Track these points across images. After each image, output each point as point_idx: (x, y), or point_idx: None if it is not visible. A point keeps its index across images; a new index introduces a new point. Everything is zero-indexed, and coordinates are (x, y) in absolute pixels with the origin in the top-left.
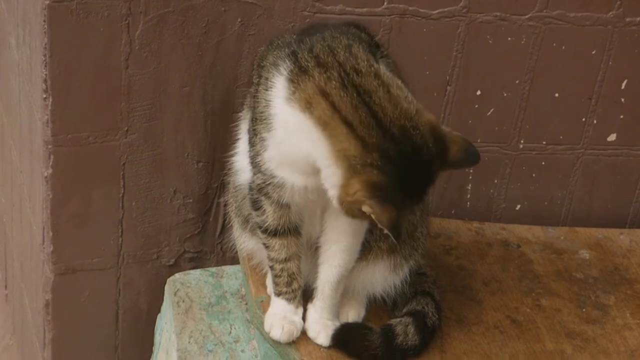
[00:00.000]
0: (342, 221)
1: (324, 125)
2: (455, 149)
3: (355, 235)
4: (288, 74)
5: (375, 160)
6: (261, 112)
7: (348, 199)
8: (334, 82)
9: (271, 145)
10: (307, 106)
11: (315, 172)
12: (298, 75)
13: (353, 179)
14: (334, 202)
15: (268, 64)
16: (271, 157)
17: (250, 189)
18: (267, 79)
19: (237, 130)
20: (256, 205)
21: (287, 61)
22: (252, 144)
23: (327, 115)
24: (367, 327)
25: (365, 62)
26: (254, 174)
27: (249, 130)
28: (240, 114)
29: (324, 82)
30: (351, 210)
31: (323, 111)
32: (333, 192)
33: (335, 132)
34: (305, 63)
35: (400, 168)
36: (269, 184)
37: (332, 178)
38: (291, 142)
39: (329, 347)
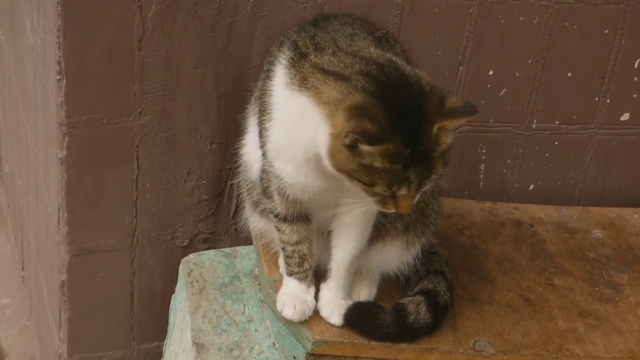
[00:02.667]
0: (355, 208)
1: (315, 91)
2: (453, 100)
3: (367, 220)
4: (288, 61)
5: (357, 83)
6: (264, 103)
7: (337, 143)
8: (327, 56)
9: (272, 135)
10: (304, 83)
11: (314, 161)
12: (298, 61)
13: (336, 115)
14: (327, 163)
15: (272, 57)
16: (272, 148)
17: (261, 179)
18: (269, 70)
19: (246, 123)
20: (266, 194)
21: (288, 51)
22: (260, 136)
23: (319, 81)
24: (379, 306)
25: (366, 48)
26: (262, 164)
27: (258, 124)
28: (249, 108)
29: (319, 59)
30: (344, 160)
31: (316, 79)
32: (325, 151)
33: (324, 89)
34: (305, 49)
35: (385, 90)
36: (273, 176)
37: (324, 137)
38: (290, 127)
39: (342, 326)
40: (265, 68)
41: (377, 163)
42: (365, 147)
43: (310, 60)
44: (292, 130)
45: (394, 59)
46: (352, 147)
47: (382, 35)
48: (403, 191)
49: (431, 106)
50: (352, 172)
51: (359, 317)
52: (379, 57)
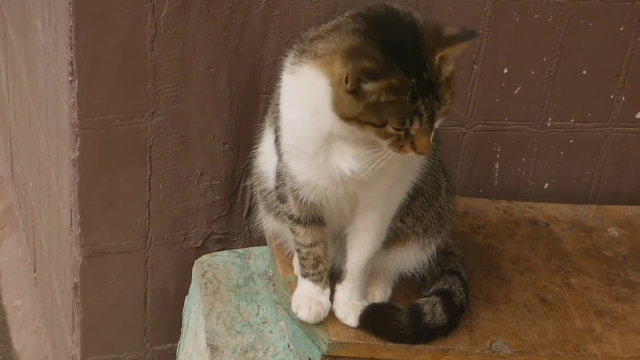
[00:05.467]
0: (372, 211)
1: (312, 55)
2: (450, 29)
3: (384, 223)
4: (293, 56)
5: (348, 27)
6: (275, 105)
7: (340, 91)
8: (325, 26)
9: (284, 132)
10: (302, 58)
11: (324, 155)
12: (299, 47)
13: (332, 64)
14: (335, 118)
15: (283, 67)
16: (285, 148)
17: (276, 184)
18: (280, 73)
19: (262, 132)
20: (281, 198)
21: (294, 50)
22: (276, 141)
23: (314, 45)
24: (395, 308)
25: None
26: (278, 168)
27: (274, 130)
28: (266, 119)
29: (317, 32)
30: (349, 106)
31: (312, 47)
32: (329, 106)
33: (320, 48)
34: (307, 33)
35: (378, 27)
36: (288, 176)
37: (326, 92)
38: (297, 107)
39: (357, 328)
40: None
41: (384, 98)
42: (368, 86)
43: (309, 36)
44: (299, 109)
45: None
46: (355, 92)
47: None
48: (416, 126)
49: (429, 37)
50: (361, 116)
51: (375, 319)
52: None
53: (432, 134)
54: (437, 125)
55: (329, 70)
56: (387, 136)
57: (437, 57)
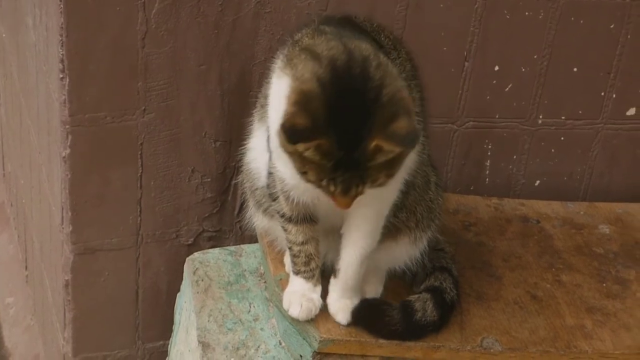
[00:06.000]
0: (365, 208)
1: (294, 69)
2: (400, 125)
3: (377, 220)
4: (284, 56)
5: (320, 69)
6: (263, 105)
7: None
8: (320, 39)
9: (272, 133)
10: (289, 63)
11: None
12: (291, 50)
13: (290, 95)
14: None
15: (273, 63)
16: (272, 147)
17: (267, 182)
18: (270, 72)
19: (251, 127)
20: (272, 196)
21: (286, 49)
22: (267, 142)
23: (300, 59)
24: (387, 303)
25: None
26: (269, 167)
27: (266, 129)
28: (255, 113)
29: (310, 41)
30: (282, 140)
31: (298, 59)
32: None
33: (300, 66)
34: (301, 37)
35: (342, 85)
36: (277, 178)
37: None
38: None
39: (349, 324)
40: (271, 74)
41: (308, 154)
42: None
43: (302, 43)
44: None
45: (370, 56)
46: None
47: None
48: (331, 188)
49: (378, 119)
50: (289, 154)
51: (366, 315)
52: (357, 49)
53: (355, 198)
54: (357, 193)
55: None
56: (307, 181)
57: (373, 144)
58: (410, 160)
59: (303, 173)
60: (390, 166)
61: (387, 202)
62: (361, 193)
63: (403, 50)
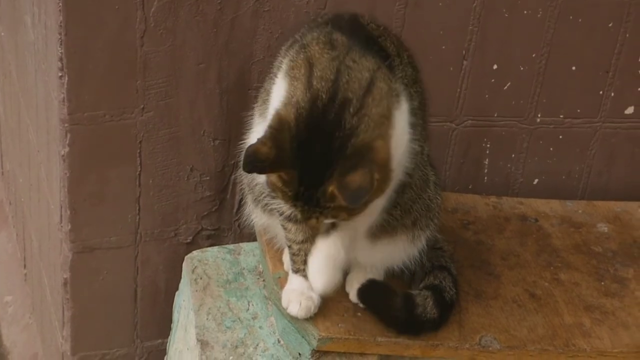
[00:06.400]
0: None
1: (292, 81)
2: (354, 178)
3: (371, 215)
4: (293, 56)
5: (304, 99)
6: (265, 101)
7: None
8: (325, 56)
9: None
10: (290, 71)
11: None
12: (297, 52)
13: (275, 115)
14: None
15: (281, 57)
16: None
17: (267, 182)
18: (275, 72)
19: (251, 121)
20: (273, 195)
21: (294, 49)
22: None
23: (301, 74)
24: (392, 288)
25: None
26: None
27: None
28: (255, 107)
29: (316, 53)
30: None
31: (299, 71)
32: None
33: (297, 83)
34: (310, 41)
35: (318, 122)
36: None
37: None
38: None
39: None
40: (274, 70)
41: (273, 178)
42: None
43: (310, 52)
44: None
45: (353, 100)
46: None
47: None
48: (294, 213)
49: (339, 167)
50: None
51: (373, 293)
52: (345, 87)
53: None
54: (319, 224)
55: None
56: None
57: (329, 189)
58: (406, 160)
59: (272, 191)
60: (351, 209)
61: (362, 223)
62: (322, 222)
63: (405, 53)
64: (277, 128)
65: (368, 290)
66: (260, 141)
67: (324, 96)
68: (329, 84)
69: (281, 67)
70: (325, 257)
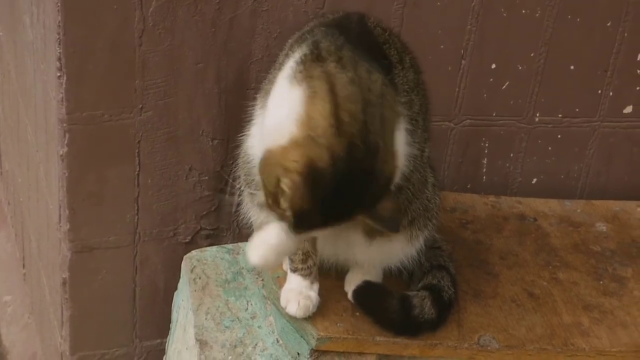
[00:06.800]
0: None
1: (312, 92)
2: (389, 205)
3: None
4: (302, 57)
5: (337, 149)
6: (268, 92)
7: (280, 161)
8: (345, 77)
9: (262, 123)
10: (307, 80)
11: None
12: (312, 61)
13: (301, 148)
14: (258, 160)
15: (288, 50)
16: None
17: None
18: (281, 63)
19: (253, 114)
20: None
21: (306, 48)
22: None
23: (321, 89)
24: (388, 290)
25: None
26: None
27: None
28: (258, 98)
29: (335, 71)
30: (268, 176)
31: (320, 85)
32: (265, 146)
33: (318, 102)
34: (327, 55)
35: (346, 174)
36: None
37: (278, 133)
38: (278, 120)
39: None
40: (280, 60)
41: (284, 203)
42: (285, 196)
43: (328, 66)
44: (279, 123)
45: (380, 143)
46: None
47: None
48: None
49: (369, 199)
50: (263, 181)
51: (368, 295)
52: (374, 127)
53: None
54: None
55: (285, 147)
56: (264, 206)
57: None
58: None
59: (272, 201)
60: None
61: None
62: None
63: (408, 57)
64: (313, 175)
65: (363, 292)
66: (300, 197)
67: (359, 143)
68: (359, 126)
69: (288, 62)
70: (273, 235)
